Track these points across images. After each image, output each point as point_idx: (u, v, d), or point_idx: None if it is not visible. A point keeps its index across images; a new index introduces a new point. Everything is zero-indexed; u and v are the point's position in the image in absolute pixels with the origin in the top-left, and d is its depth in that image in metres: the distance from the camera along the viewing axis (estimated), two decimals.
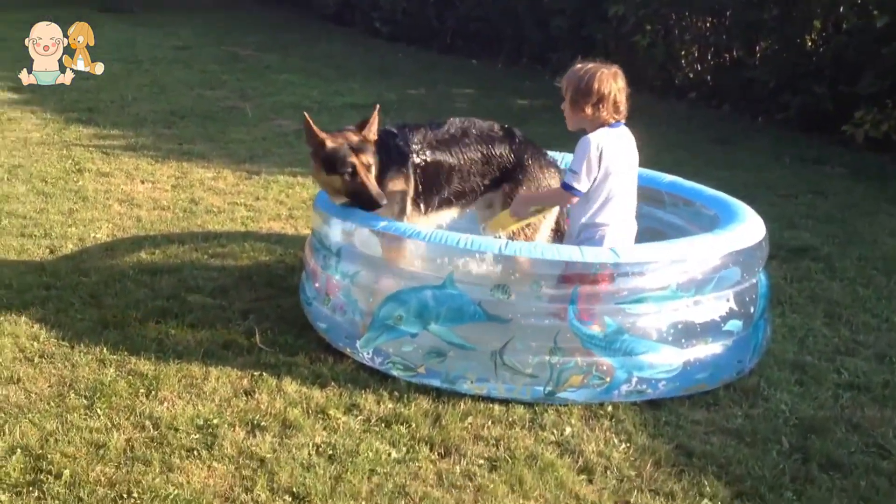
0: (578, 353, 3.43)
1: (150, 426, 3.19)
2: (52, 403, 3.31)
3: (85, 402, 3.33)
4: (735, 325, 3.61)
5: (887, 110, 7.04)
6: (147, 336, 3.84)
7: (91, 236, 5.03)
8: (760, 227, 3.84)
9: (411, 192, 4.01)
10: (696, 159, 7.09)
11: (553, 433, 3.26)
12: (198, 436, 3.15)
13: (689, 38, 9.34)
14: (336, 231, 3.87)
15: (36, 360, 3.63)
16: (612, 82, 3.65)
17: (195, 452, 3.05)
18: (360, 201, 3.78)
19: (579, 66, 3.71)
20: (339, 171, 3.77)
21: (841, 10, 7.67)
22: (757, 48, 8.78)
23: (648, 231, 4.32)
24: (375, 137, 3.89)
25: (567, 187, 3.71)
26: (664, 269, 3.47)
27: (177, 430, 3.17)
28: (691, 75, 9.42)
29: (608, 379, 3.44)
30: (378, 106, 3.92)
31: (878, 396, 3.57)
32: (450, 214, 4.19)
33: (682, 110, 8.90)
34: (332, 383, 3.52)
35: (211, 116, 8.22)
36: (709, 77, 9.25)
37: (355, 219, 3.79)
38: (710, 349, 3.55)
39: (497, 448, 3.15)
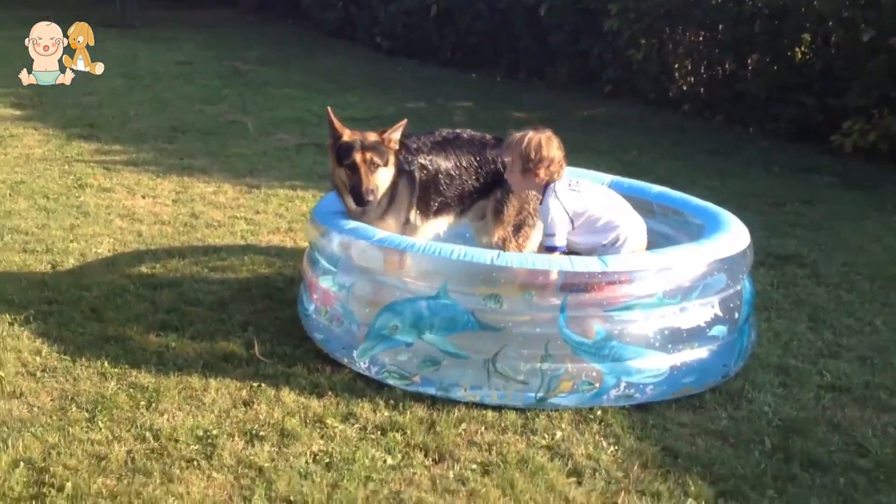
0: (569, 360, 3.53)
1: (151, 438, 3.26)
2: (55, 417, 3.39)
3: (86, 415, 3.40)
4: (720, 330, 3.70)
5: (874, 120, 7.17)
6: (148, 349, 3.93)
7: (92, 251, 5.13)
8: (745, 236, 3.95)
9: (414, 198, 4.12)
10: (690, 169, 7.22)
11: (544, 437, 3.35)
12: (197, 446, 3.22)
13: (682, 51, 9.49)
14: (333, 243, 3.97)
15: (38, 374, 3.71)
16: (553, 143, 3.94)
17: (195, 463, 3.12)
18: (353, 194, 3.98)
19: (518, 137, 3.97)
20: (343, 163, 3.95)
21: (829, 24, 7.80)
22: (748, 61, 8.91)
23: None
24: (396, 146, 4.05)
25: (551, 249, 3.91)
26: (651, 277, 3.57)
27: (177, 441, 3.25)
28: (685, 88, 9.56)
29: (597, 384, 3.53)
30: (406, 120, 4.08)
31: (858, 397, 3.67)
32: (447, 221, 4.30)
33: (676, 122, 9.03)
34: (330, 393, 3.61)
35: (212, 131, 8.33)
36: (702, 89, 9.39)
37: (352, 231, 3.89)
38: (696, 354, 3.65)
39: (490, 453, 3.24)
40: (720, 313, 3.71)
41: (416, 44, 13.02)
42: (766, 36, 8.44)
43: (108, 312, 4.30)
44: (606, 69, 10.18)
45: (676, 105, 9.42)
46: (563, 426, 3.43)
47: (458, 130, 4.36)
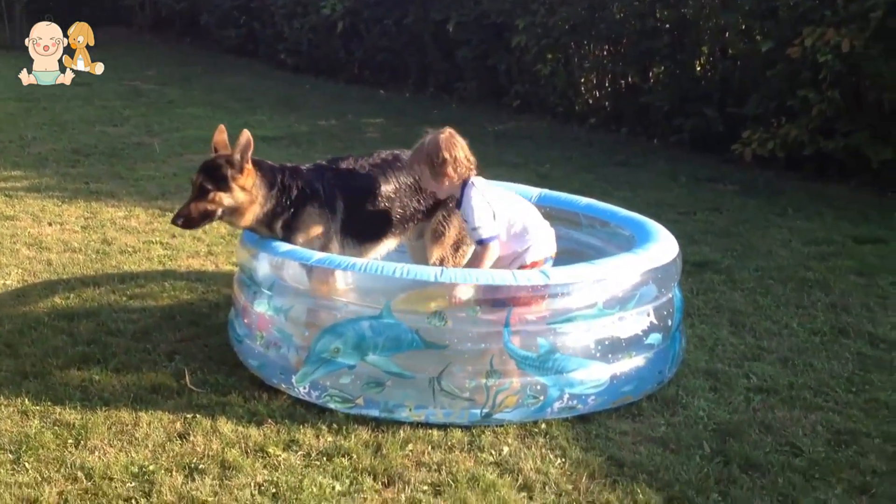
0: (513, 375, 3.55)
1: (83, 477, 3.10)
2: None
3: (11, 456, 3.21)
4: (656, 338, 3.79)
5: (772, 129, 7.50)
6: (70, 384, 3.73)
7: (0, 283, 4.85)
8: (674, 245, 4.05)
9: (335, 226, 4.03)
10: (601, 181, 7.39)
11: (492, 454, 3.35)
12: (133, 484, 3.08)
13: (587, 65, 9.73)
14: (265, 265, 3.87)
15: None
16: (454, 141, 3.93)
17: (133, 501, 2.98)
18: None
19: (417, 146, 3.98)
20: None
21: (727, 36, 8.16)
22: (651, 74, 9.23)
23: (567, 252, 4.48)
24: (244, 167, 3.83)
25: (481, 242, 3.89)
26: (590, 288, 3.62)
27: (111, 479, 3.09)
28: (591, 101, 9.81)
29: (542, 398, 3.56)
30: (248, 136, 3.82)
31: (785, 398, 3.80)
32: (387, 246, 4.20)
33: (583, 135, 9.25)
34: (269, 420, 3.50)
35: (117, 154, 8.05)
36: (607, 103, 9.65)
37: (284, 253, 3.80)
38: (633, 362, 3.72)
39: (439, 473, 3.21)
40: (655, 321, 3.80)
41: (323, 60, 12.93)
42: (668, 49, 8.76)
43: (23, 347, 4.06)
44: (514, 84, 10.34)
45: (583, 118, 9.66)
46: (510, 441, 3.44)
47: (396, 151, 4.22)
